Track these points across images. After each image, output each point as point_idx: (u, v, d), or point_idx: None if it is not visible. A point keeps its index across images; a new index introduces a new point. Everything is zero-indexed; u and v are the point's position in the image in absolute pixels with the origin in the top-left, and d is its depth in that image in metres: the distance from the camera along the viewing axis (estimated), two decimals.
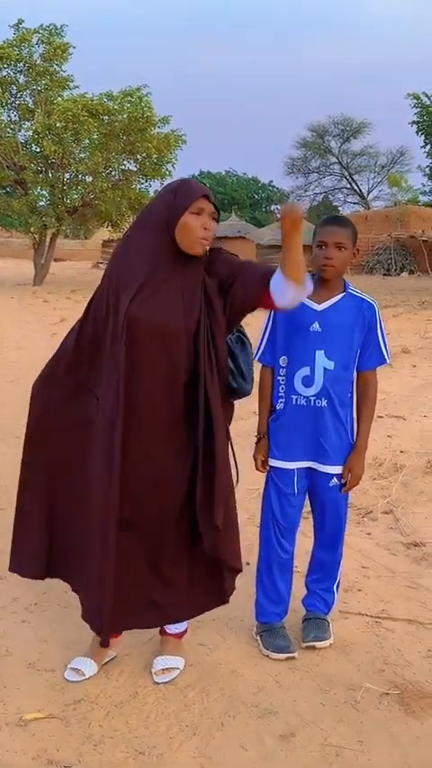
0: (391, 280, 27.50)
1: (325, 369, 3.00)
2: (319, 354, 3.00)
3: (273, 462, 3.14)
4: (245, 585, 3.58)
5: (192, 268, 2.69)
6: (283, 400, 3.09)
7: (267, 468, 3.16)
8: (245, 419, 7.47)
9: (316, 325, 3.01)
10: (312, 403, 3.03)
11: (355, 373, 3.10)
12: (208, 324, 2.67)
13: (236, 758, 2.48)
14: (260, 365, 3.15)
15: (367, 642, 3.19)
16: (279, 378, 3.11)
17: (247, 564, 3.96)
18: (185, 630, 3.04)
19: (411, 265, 30.98)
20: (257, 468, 3.20)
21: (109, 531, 2.64)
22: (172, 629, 2.99)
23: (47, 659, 3.03)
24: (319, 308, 3.02)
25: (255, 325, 3.13)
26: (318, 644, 3.10)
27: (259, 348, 3.14)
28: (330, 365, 3.00)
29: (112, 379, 2.64)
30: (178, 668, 2.88)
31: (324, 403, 3.02)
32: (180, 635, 3.03)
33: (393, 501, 4.89)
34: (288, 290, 2.65)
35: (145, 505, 2.72)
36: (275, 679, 2.92)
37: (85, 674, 2.88)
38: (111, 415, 2.63)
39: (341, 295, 3.05)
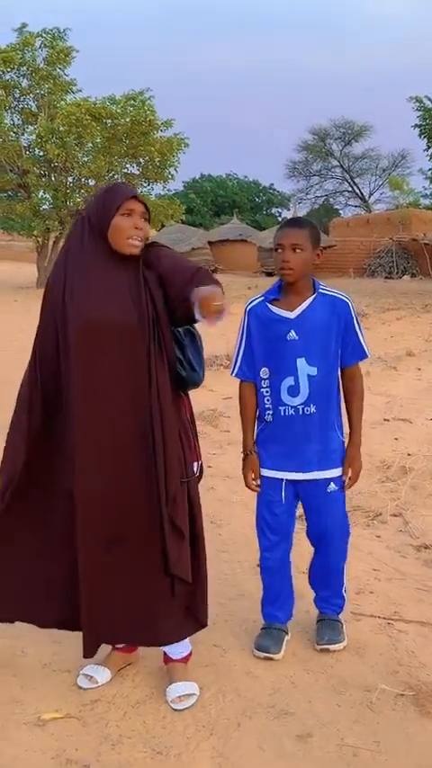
0: (393, 283, 27.52)
1: (309, 375, 2.97)
2: (301, 362, 2.97)
3: (264, 472, 3.10)
4: (258, 587, 3.60)
5: (131, 266, 2.70)
6: (270, 412, 3.06)
7: (258, 481, 3.11)
8: None
9: (292, 334, 2.96)
10: (301, 411, 2.99)
11: (338, 372, 3.06)
12: (154, 316, 2.66)
13: (253, 758, 2.50)
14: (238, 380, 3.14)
15: (380, 644, 3.21)
16: (263, 390, 3.07)
17: (258, 566, 4.00)
18: (190, 653, 2.95)
19: (413, 268, 30.98)
20: (248, 486, 3.14)
21: (87, 549, 2.67)
22: (176, 654, 2.90)
23: (62, 660, 3.04)
24: (292, 315, 2.98)
25: (231, 339, 3.11)
26: (332, 647, 3.10)
27: (235, 363, 3.12)
28: (313, 371, 2.97)
29: (72, 388, 2.65)
30: (195, 694, 2.80)
31: (313, 409, 2.99)
32: (185, 659, 2.93)
33: (402, 504, 4.90)
34: (200, 319, 2.59)
35: (119, 521, 2.69)
36: (290, 680, 2.94)
37: (97, 682, 2.88)
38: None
39: (312, 297, 3.00)
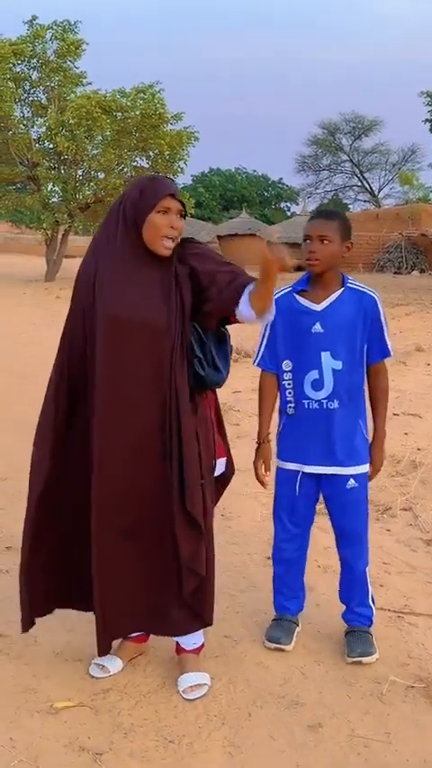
0: (402, 278, 27.46)
1: (333, 370, 2.95)
2: (326, 356, 2.95)
3: (283, 464, 3.09)
4: (268, 579, 3.62)
5: (164, 262, 2.69)
6: (292, 405, 3.04)
7: (268, 476, 3.11)
8: (253, 417, 7.53)
9: (317, 327, 2.95)
10: (325, 406, 2.98)
11: (364, 368, 3.04)
12: (182, 314, 2.66)
13: (265, 747, 2.51)
14: (260, 370, 3.14)
15: (391, 636, 3.22)
16: (285, 382, 3.05)
17: (268, 558, 4.01)
18: (203, 645, 2.97)
19: (422, 264, 30.93)
20: (257, 477, 3.13)
21: (103, 540, 2.68)
22: (188, 645, 2.92)
23: (74, 649, 3.07)
24: (319, 307, 2.97)
25: (239, 333, 3.11)
26: (365, 659, 2.99)
27: (258, 353, 3.11)
28: (338, 365, 2.95)
29: (97, 382, 2.66)
30: (206, 684, 2.81)
31: (336, 404, 2.97)
32: (197, 650, 2.94)
33: (412, 498, 4.91)
34: (249, 315, 2.65)
35: (135, 513, 2.71)
36: (301, 671, 2.95)
37: (109, 671, 2.90)
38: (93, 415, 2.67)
39: (340, 291, 2.98)
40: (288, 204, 63.73)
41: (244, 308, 2.63)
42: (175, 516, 2.68)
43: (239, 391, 7.56)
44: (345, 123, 51.13)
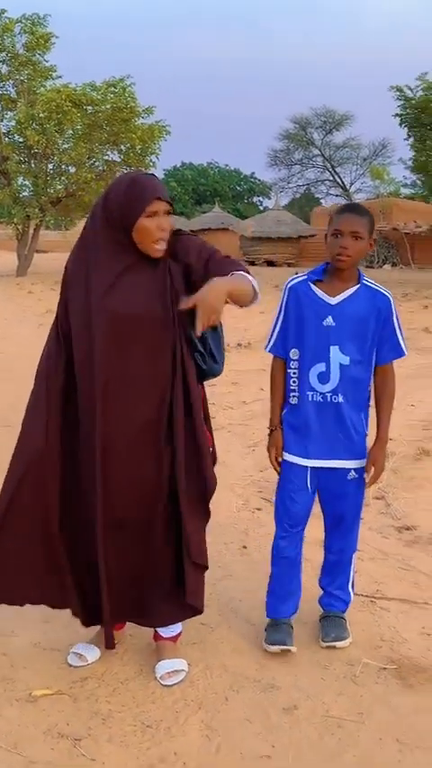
0: (374, 272, 27.62)
1: (341, 364, 2.92)
2: (334, 350, 2.92)
3: (287, 457, 3.06)
4: (244, 568, 3.68)
5: (158, 262, 2.72)
6: (296, 395, 3.02)
7: (280, 462, 3.08)
8: (234, 408, 7.57)
9: (329, 320, 2.92)
10: (329, 399, 2.95)
11: (372, 367, 3.02)
12: (180, 312, 2.68)
13: (241, 730, 2.56)
14: (271, 356, 3.11)
15: (364, 620, 3.28)
16: (290, 371, 3.03)
17: (244, 547, 4.07)
18: (180, 633, 3.00)
19: (394, 257, 31.13)
20: (272, 464, 3.11)
21: (97, 531, 2.70)
22: (166, 633, 2.96)
23: (51, 639, 3.10)
24: (334, 301, 2.93)
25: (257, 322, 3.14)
26: (338, 644, 3.05)
27: (270, 338, 3.07)
28: (346, 360, 2.92)
29: (91, 376, 2.68)
30: (184, 670, 2.86)
31: (341, 399, 2.94)
32: (175, 638, 2.99)
33: (384, 487, 4.98)
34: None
35: (131, 504, 2.74)
36: (276, 656, 3.00)
37: (87, 660, 2.93)
38: (91, 404, 2.68)
39: (356, 287, 2.95)
40: (260, 198, 63.86)
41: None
42: (184, 507, 2.72)
43: (215, 384, 7.59)
44: (316, 118, 51.11)
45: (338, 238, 2.87)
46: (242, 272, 2.69)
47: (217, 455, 3.00)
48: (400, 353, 3.02)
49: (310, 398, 2.98)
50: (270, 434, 3.12)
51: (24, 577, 2.82)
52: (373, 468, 3.01)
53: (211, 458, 2.88)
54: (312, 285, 2.98)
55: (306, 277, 3.02)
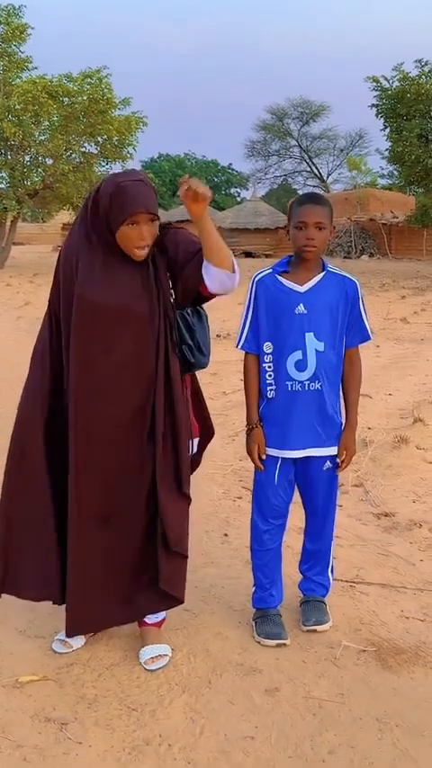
0: (352, 263, 27.78)
1: (316, 351, 2.96)
2: (309, 336, 2.95)
3: (269, 452, 3.07)
4: (225, 555, 3.73)
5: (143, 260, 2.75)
6: (273, 388, 3.03)
7: (263, 459, 3.08)
8: (214, 399, 7.61)
9: (301, 308, 2.96)
10: (307, 387, 2.98)
11: (343, 351, 3.06)
12: (163, 302, 2.73)
13: (224, 712, 2.62)
14: (243, 353, 3.11)
15: (344, 605, 3.35)
16: (265, 365, 3.04)
17: (225, 535, 4.13)
18: (164, 619, 3.06)
19: (371, 248, 31.31)
20: (253, 461, 3.10)
21: (79, 528, 2.75)
22: (151, 618, 3.00)
23: (37, 627, 3.13)
24: (302, 289, 2.98)
25: (237, 312, 3.15)
26: (319, 628, 3.12)
27: (241, 336, 3.07)
28: (321, 346, 2.96)
29: (75, 369, 2.71)
30: (167, 655, 2.91)
31: (318, 385, 2.98)
32: (159, 624, 3.04)
33: (363, 474, 5.07)
34: (215, 275, 2.67)
35: (114, 500, 2.78)
36: (258, 640, 3.06)
37: (72, 646, 2.97)
38: (73, 399, 2.73)
39: (322, 274, 3.01)
40: (238, 189, 63.90)
41: (206, 271, 2.67)
42: (163, 498, 2.76)
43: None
44: (293, 108, 51.31)
45: (303, 230, 2.92)
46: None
47: (213, 428, 3.06)
48: (366, 337, 3.09)
49: (289, 388, 3.00)
50: (249, 432, 3.12)
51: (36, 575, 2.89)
52: (344, 453, 3.06)
53: (208, 433, 2.99)
54: (279, 277, 3.03)
55: (272, 270, 3.06)
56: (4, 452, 2.87)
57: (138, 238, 2.66)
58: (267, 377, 3.05)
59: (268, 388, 3.05)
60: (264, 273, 3.07)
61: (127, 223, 2.63)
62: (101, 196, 2.69)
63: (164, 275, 2.75)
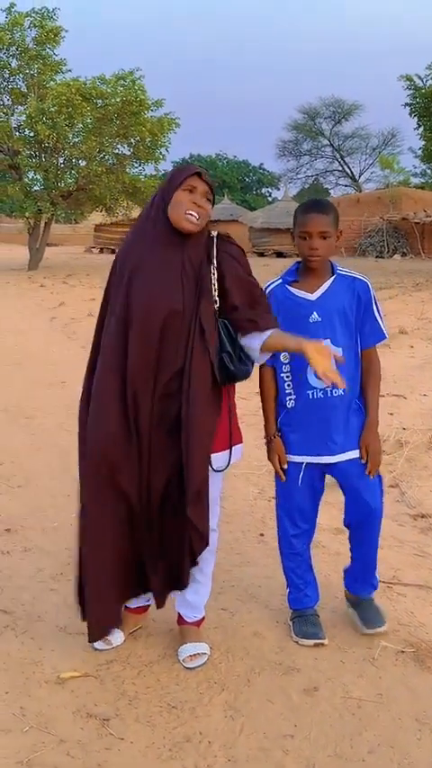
0: (384, 262, 27.60)
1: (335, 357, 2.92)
2: (327, 344, 2.87)
3: (294, 459, 3.05)
4: (261, 555, 3.75)
5: (191, 248, 2.76)
6: (293, 397, 3.01)
7: (285, 469, 3.06)
8: (247, 399, 7.62)
9: (315, 316, 2.94)
10: (330, 393, 2.95)
11: (359, 353, 3.03)
12: (197, 300, 2.73)
13: (263, 710, 2.64)
14: (258, 365, 3.05)
15: (382, 606, 3.34)
16: (283, 375, 3.02)
17: (261, 535, 4.14)
18: (203, 618, 3.07)
19: (404, 247, 31.06)
20: (278, 472, 3.08)
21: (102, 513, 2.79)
22: (190, 617, 3.03)
23: (77, 624, 3.15)
24: (313, 297, 2.97)
25: None
26: (381, 629, 3.10)
27: None
28: (339, 352, 2.90)
29: (114, 360, 2.75)
30: (206, 653, 2.93)
31: (341, 391, 2.93)
32: (198, 623, 3.05)
33: (399, 475, 5.05)
34: (255, 349, 2.81)
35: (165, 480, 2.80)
36: (296, 640, 3.08)
37: (111, 644, 3.02)
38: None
39: (332, 278, 2.99)
40: (269, 189, 63.80)
41: (254, 342, 2.79)
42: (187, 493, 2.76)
43: None
44: (325, 108, 51.17)
45: (307, 240, 2.92)
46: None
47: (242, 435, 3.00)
48: (381, 337, 3.04)
49: (310, 397, 2.97)
50: (268, 443, 3.11)
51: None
52: (366, 453, 2.99)
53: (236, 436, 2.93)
54: (289, 287, 3.02)
55: (282, 281, 3.05)
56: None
57: (189, 202, 2.69)
58: (286, 386, 3.04)
59: (288, 398, 3.04)
60: (275, 284, 3.06)
61: (183, 187, 2.69)
62: (161, 184, 2.81)
63: (207, 278, 2.74)
